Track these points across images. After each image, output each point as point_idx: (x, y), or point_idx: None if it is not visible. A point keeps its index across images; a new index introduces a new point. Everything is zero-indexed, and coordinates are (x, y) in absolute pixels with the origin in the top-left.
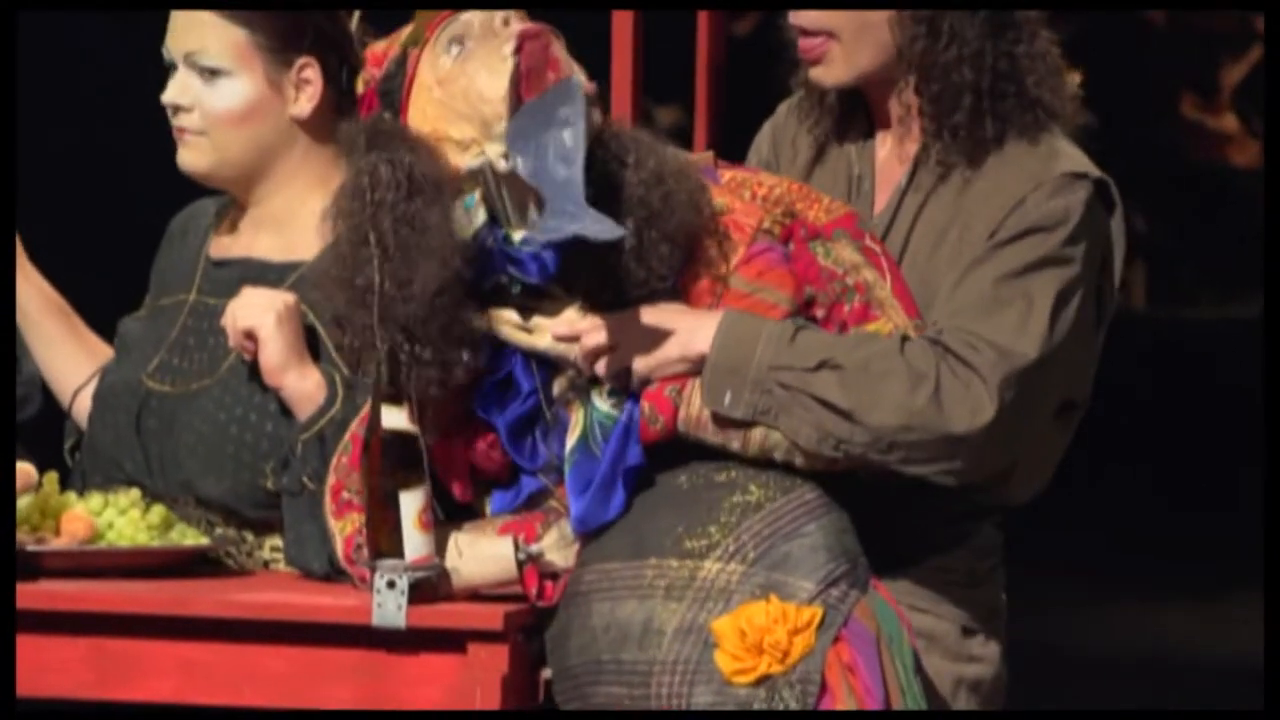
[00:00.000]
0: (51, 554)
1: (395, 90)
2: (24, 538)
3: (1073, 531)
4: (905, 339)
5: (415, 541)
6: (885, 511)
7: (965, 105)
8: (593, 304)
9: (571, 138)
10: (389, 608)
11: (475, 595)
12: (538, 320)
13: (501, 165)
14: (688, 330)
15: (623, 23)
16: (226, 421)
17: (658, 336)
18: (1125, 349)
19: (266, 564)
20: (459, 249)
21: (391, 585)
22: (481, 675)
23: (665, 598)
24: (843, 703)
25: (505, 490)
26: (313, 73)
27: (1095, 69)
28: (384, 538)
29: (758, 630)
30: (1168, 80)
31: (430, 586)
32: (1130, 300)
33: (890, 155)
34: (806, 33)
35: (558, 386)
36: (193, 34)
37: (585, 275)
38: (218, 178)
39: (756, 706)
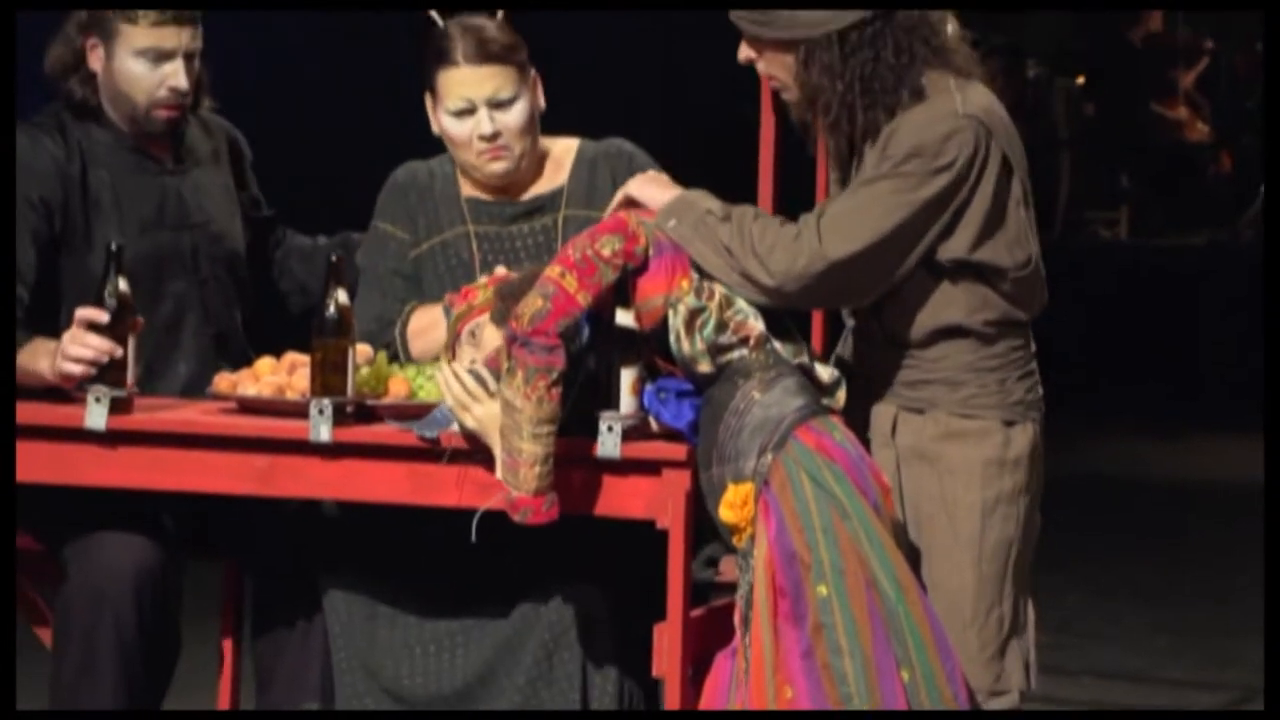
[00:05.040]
0: (383, 406)
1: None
2: (365, 394)
3: None
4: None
5: (627, 402)
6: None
7: (834, 104)
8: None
9: None
10: (609, 445)
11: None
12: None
13: None
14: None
15: None
16: None
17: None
18: (1110, 268)
19: None
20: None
21: (610, 430)
22: (671, 491)
23: (709, 500)
24: (761, 538)
25: None
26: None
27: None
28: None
29: (728, 512)
30: (1141, 85)
31: (637, 432)
32: (1115, 233)
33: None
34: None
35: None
36: (488, 84)
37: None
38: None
39: (744, 552)
